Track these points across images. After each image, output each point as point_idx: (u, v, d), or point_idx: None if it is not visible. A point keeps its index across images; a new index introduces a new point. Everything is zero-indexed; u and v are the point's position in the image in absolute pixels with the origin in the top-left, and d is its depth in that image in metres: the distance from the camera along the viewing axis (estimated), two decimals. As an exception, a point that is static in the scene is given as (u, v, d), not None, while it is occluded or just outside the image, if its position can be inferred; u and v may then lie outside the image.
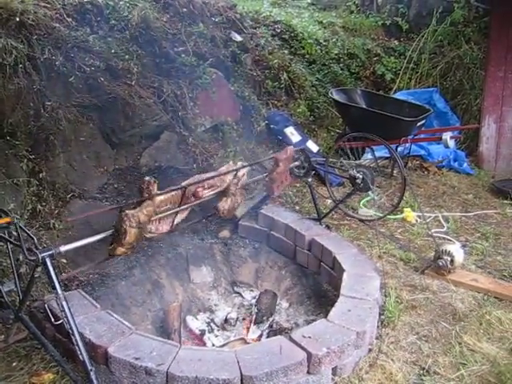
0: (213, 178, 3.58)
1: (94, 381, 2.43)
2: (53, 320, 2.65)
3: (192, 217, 3.76)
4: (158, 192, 3.10)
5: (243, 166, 3.88)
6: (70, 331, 2.48)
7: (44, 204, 3.84)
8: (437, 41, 7.85)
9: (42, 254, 2.53)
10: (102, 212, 3.28)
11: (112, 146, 4.52)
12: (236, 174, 3.77)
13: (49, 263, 2.55)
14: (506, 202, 5.46)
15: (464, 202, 5.51)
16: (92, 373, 2.44)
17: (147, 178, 3.04)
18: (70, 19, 4.56)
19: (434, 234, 4.31)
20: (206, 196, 3.57)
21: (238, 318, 3.77)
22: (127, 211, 2.89)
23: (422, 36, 7.85)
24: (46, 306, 2.81)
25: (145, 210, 2.96)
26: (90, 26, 4.72)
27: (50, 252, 2.58)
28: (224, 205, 3.70)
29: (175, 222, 3.38)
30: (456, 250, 3.96)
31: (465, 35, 7.68)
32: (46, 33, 4.24)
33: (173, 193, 3.26)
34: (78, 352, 2.46)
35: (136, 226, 2.88)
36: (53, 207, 3.87)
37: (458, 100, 7.26)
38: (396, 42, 8.56)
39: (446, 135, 5.50)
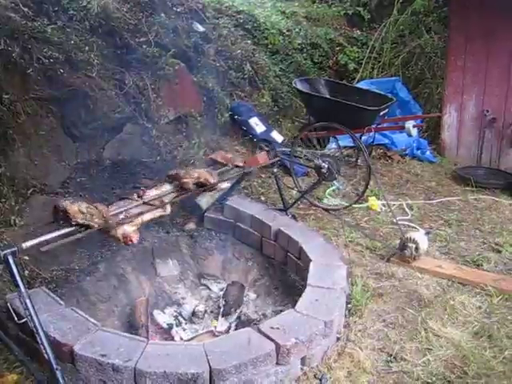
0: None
1: (60, 380, 2.39)
2: (16, 319, 2.60)
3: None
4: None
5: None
6: (34, 330, 2.42)
7: (4, 200, 3.75)
8: (398, 30, 7.92)
9: (4, 252, 2.46)
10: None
11: (73, 139, 4.43)
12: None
13: (11, 261, 2.48)
14: (467, 188, 5.56)
15: (427, 190, 5.59)
16: (58, 372, 2.39)
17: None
18: (26, 9, 4.45)
19: (399, 222, 4.36)
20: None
21: (205, 311, 3.75)
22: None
23: (384, 26, 7.90)
24: (8, 304, 2.75)
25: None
26: (47, 17, 4.61)
27: (13, 249, 2.51)
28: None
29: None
30: (420, 237, 4.02)
31: (425, 25, 7.77)
32: (1, 23, 4.13)
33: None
34: (43, 351, 2.41)
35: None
36: (13, 203, 3.77)
37: (420, 89, 7.34)
38: (358, 32, 8.60)
39: (409, 124, 5.56)
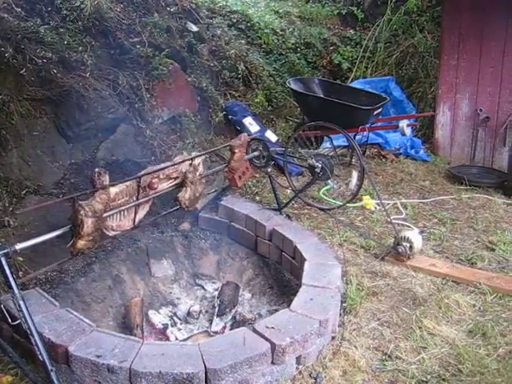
0: (167, 167, 3.51)
1: (55, 381, 2.38)
2: (10, 320, 2.58)
3: (154, 212, 3.70)
4: (112, 183, 3.07)
5: (198, 155, 3.84)
6: (29, 331, 2.42)
7: (-3, 201, 3.73)
8: (392, 30, 7.94)
9: (-3, 253, 2.46)
10: (51, 204, 3.23)
11: (67, 139, 4.42)
12: (192, 164, 3.70)
13: (4, 262, 2.47)
14: (461, 187, 5.58)
15: (421, 189, 5.61)
16: (53, 373, 2.39)
17: (97, 169, 3.01)
18: (19, 9, 4.43)
19: (393, 221, 4.37)
20: (165, 188, 3.53)
21: (200, 311, 3.75)
22: (80, 202, 2.84)
23: (377, 25, 7.92)
24: (2, 306, 2.74)
25: (98, 198, 2.91)
26: (40, 17, 4.59)
27: (5, 251, 2.50)
28: (184, 195, 3.61)
29: (138, 218, 3.34)
30: (414, 236, 4.02)
31: (419, 24, 7.80)
32: (-6, 23, 4.11)
33: (127, 183, 3.21)
34: (38, 352, 2.40)
35: (92, 215, 2.82)
36: (7, 204, 3.75)
37: (414, 88, 7.36)
38: (352, 32, 8.62)
39: (403, 123, 5.58)
